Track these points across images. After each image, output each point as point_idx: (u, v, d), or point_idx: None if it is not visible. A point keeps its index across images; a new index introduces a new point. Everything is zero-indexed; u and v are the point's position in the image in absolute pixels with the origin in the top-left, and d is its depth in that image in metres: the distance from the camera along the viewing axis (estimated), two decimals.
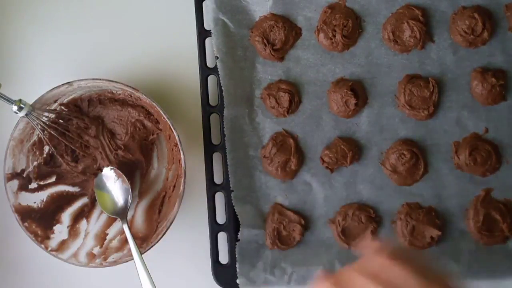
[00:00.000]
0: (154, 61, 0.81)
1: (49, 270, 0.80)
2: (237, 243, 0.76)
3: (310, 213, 0.77)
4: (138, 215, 0.80)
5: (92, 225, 0.79)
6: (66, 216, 0.79)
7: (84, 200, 0.80)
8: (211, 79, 0.79)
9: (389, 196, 0.77)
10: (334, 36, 0.76)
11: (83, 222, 0.79)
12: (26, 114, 0.71)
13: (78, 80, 0.73)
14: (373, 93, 0.77)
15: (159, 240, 0.72)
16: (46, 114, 0.75)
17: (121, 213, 0.76)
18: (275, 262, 0.76)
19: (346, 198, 0.77)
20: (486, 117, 0.76)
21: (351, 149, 0.76)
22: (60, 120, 0.78)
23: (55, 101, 0.77)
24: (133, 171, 0.80)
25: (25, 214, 0.75)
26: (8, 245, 0.81)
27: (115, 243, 0.78)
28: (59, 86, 0.72)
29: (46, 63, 0.82)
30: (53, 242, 0.75)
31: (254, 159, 0.78)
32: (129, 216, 0.79)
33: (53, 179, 0.79)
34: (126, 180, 0.77)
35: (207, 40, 0.79)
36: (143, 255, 0.71)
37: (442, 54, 0.77)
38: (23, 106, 0.70)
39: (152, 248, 0.72)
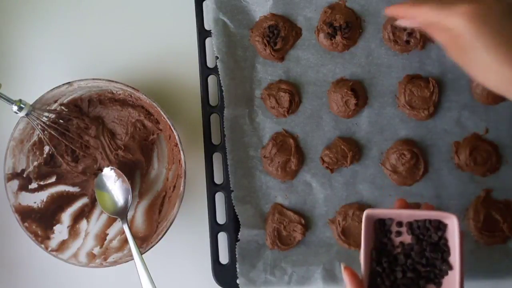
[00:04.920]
0: (154, 61, 0.81)
1: (49, 270, 0.80)
2: (237, 243, 0.76)
3: (310, 213, 0.77)
4: (138, 215, 0.80)
5: (92, 225, 0.79)
6: (66, 216, 0.79)
7: (84, 200, 0.80)
8: (211, 79, 0.79)
9: (389, 196, 0.76)
10: (334, 36, 0.76)
11: (83, 222, 0.79)
12: (26, 114, 0.71)
13: (78, 80, 0.73)
14: (373, 93, 0.77)
15: (159, 240, 0.72)
16: (46, 114, 0.75)
17: (121, 213, 0.76)
18: (275, 262, 0.76)
19: (346, 198, 0.77)
20: (486, 117, 0.76)
21: (351, 149, 0.76)
22: (60, 120, 0.78)
23: (55, 101, 0.77)
24: (133, 171, 0.80)
25: (25, 214, 0.75)
26: (8, 245, 0.81)
27: (115, 243, 0.78)
28: (59, 86, 0.72)
29: (46, 63, 0.82)
30: (53, 242, 0.75)
31: (254, 159, 0.78)
32: (129, 216, 0.79)
33: (53, 179, 0.79)
34: (126, 180, 0.77)
35: (207, 40, 0.79)
36: (143, 255, 0.71)
37: (442, 54, 0.76)
38: (23, 106, 0.70)
39: (152, 248, 0.72)
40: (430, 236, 0.58)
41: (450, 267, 0.57)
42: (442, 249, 0.58)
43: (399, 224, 0.59)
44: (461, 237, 0.56)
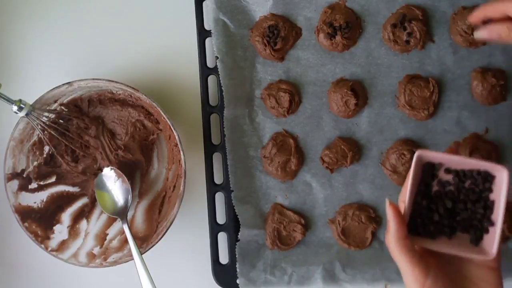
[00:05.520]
0: (154, 61, 0.81)
1: (49, 270, 0.80)
2: (237, 243, 0.76)
3: (310, 213, 0.77)
4: (138, 215, 0.80)
5: (92, 225, 0.79)
6: (66, 216, 0.79)
7: (84, 200, 0.80)
8: (211, 79, 0.79)
9: (389, 196, 0.76)
10: (334, 36, 0.76)
11: (83, 222, 0.79)
12: (26, 114, 0.71)
13: (78, 80, 0.73)
14: (373, 93, 0.77)
15: (159, 240, 0.72)
16: (46, 114, 0.75)
17: (121, 213, 0.76)
18: (275, 262, 0.76)
19: (346, 198, 0.77)
20: (486, 117, 0.76)
21: (351, 149, 0.76)
22: (60, 120, 0.78)
23: (55, 101, 0.77)
24: (133, 171, 0.80)
25: (25, 214, 0.75)
26: (8, 245, 0.81)
27: (115, 243, 0.78)
28: (59, 86, 0.72)
29: (46, 63, 0.82)
30: (53, 242, 0.75)
31: (254, 159, 0.78)
32: (129, 216, 0.79)
33: (53, 179, 0.79)
34: (126, 180, 0.77)
35: (207, 40, 0.79)
36: (143, 255, 0.71)
37: (442, 54, 0.77)
38: (23, 106, 0.70)
39: (152, 248, 0.72)
40: (476, 186, 0.58)
41: (491, 223, 0.57)
42: (486, 202, 0.57)
43: (447, 170, 0.59)
44: (507, 192, 0.55)
